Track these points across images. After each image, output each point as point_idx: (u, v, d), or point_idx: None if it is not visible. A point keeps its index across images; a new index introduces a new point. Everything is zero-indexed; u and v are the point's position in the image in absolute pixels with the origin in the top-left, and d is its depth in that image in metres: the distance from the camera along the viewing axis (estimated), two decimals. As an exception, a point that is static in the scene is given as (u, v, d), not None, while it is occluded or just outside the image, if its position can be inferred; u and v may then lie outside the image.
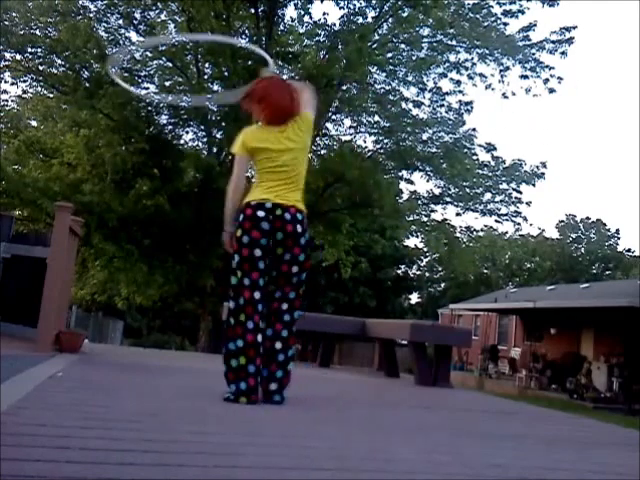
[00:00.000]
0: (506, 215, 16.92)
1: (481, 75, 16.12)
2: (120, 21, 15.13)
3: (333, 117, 16.96)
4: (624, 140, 68.82)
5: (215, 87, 15.01)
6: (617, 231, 45.68)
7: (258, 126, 3.35)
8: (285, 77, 14.97)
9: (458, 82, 16.36)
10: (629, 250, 45.38)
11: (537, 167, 16.46)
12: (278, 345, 3.18)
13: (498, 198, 16.72)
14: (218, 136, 15.82)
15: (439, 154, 16.27)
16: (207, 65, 15.68)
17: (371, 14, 15.27)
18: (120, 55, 12.32)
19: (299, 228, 3.19)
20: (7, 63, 14.70)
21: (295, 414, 3.22)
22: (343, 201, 16.31)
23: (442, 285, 42.24)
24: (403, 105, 16.32)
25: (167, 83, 15.29)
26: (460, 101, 16.56)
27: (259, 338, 3.13)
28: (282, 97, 3.28)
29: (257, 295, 3.13)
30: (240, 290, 3.14)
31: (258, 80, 3.46)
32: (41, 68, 15.01)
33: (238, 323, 3.10)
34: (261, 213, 3.13)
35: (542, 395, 16.34)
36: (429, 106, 16.75)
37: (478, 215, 17.11)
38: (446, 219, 17.99)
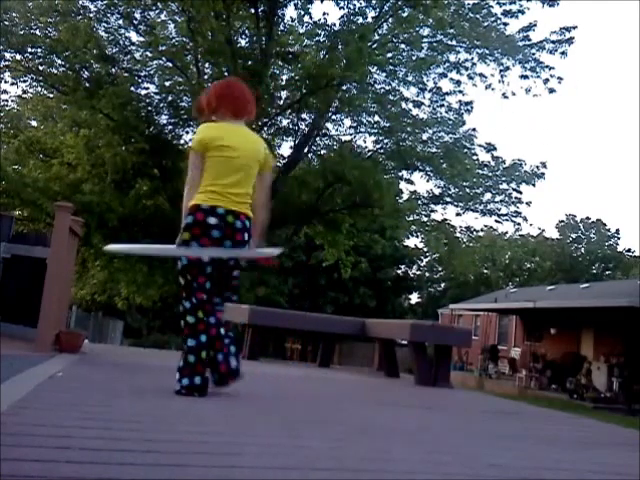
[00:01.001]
0: (506, 215, 16.90)
1: (481, 75, 16.11)
2: (120, 21, 15.11)
3: (333, 117, 16.94)
4: (624, 140, 68.88)
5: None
6: (617, 231, 45.69)
7: None
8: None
9: (458, 82, 16.35)
10: (629, 250, 45.41)
11: (537, 167, 16.44)
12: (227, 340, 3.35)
13: (498, 198, 16.70)
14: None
15: (439, 154, 16.25)
16: (207, 65, 15.68)
17: (371, 14, 15.27)
18: None
19: (246, 236, 3.31)
20: (7, 63, 14.68)
21: (295, 414, 3.23)
22: (343, 201, 16.29)
23: (442, 285, 42.25)
24: (403, 105, 16.30)
25: (167, 83, 15.28)
26: (460, 101, 16.56)
27: (222, 331, 3.28)
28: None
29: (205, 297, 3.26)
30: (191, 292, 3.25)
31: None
32: (41, 68, 14.99)
33: (198, 321, 3.19)
34: (212, 220, 3.23)
35: (542, 395, 16.34)
36: (429, 106, 16.74)
37: (478, 215, 17.09)
38: (446, 219, 17.99)
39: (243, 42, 15.60)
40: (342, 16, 15.01)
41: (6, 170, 14.52)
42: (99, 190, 14.56)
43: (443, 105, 16.73)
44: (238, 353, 3.40)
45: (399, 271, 34.72)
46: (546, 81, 15.50)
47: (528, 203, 16.85)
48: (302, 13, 15.04)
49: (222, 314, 3.34)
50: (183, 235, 3.23)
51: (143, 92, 15.72)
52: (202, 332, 3.18)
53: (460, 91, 16.47)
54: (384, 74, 15.85)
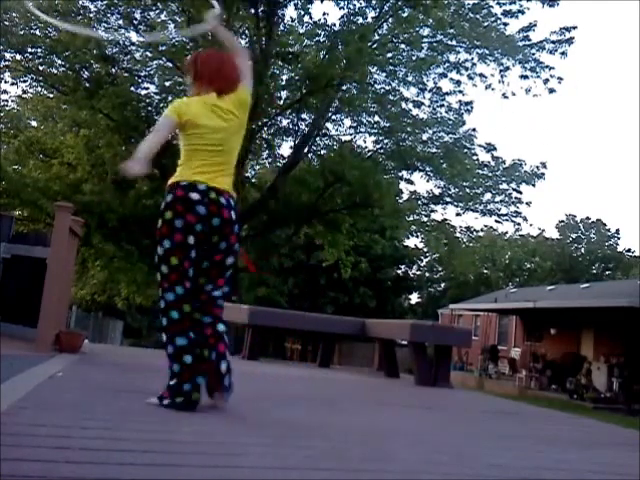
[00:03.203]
0: (506, 215, 16.91)
1: (481, 75, 16.11)
2: (120, 21, 15.11)
3: (333, 117, 16.95)
4: (624, 140, 68.85)
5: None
6: (617, 231, 45.64)
7: (194, 98, 3.07)
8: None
9: (458, 82, 16.35)
10: (629, 250, 45.35)
11: (537, 167, 16.45)
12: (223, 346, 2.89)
13: (498, 198, 16.71)
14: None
15: (439, 154, 16.26)
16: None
17: (371, 14, 15.27)
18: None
19: (234, 215, 2.92)
20: (7, 63, 14.69)
21: (295, 414, 3.22)
22: (343, 201, 16.30)
23: (442, 285, 42.22)
24: (403, 105, 16.31)
25: (167, 83, 15.29)
26: (460, 101, 16.57)
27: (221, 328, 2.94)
28: (232, 69, 3.08)
29: (189, 285, 2.83)
30: (179, 279, 2.80)
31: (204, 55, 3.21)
32: (41, 68, 15.00)
33: (185, 315, 2.78)
34: (195, 195, 2.81)
35: (542, 395, 16.33)
36: (429, 106, 16.75)
37: (478, 215, 17.10)
38: (446, 219, 17.99)
39: (243, 42, 15.59)
40: (342, 16, 15.04)
41: (6, 170, 14.52)
42: (99, 190, 14.56)
43: (443, 105, 16.74)
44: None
45: (399, 271, 34.69)
46: (546, 81, 15.50)
47: (528, 203, 16.87)
48: (302, 13, 15.07)
49: (221, 311, 2.95)
50: (164, 214, 2.87)
51: (143, 92, 15.74)
52: (189, 329, 2.77)
53: (460, 91, 16.50)
54: (384, 74, 15.87)
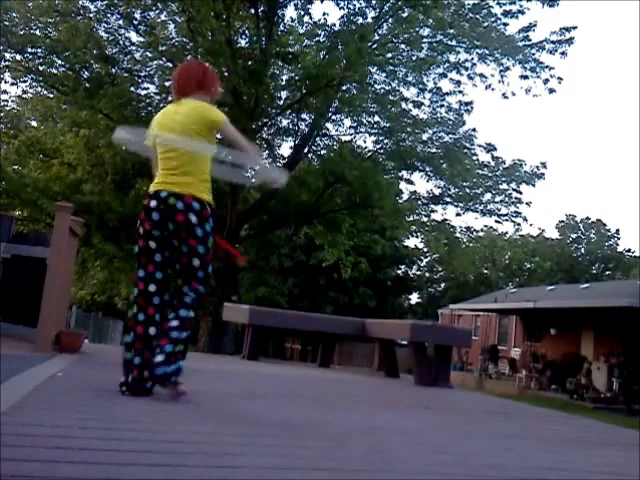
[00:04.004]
0: (506, 215, 16.92)
1: (481, 75, 16.11)
2: (120, 21, 15.11)
3: (333, 117, 16.95)
4: (624, 140, 68.84)
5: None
6: (617, 231, 45.64)
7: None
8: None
9: (458, 82, 16.36)
10: (629, 250, 45.34)
11: (537, 167, 16.47)
12: (174, 323, 2.93)
13: (498, 198, 16.72)
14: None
15: (439, 154, 16.27)
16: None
17: (371, 14, 15.29)
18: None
19: (193, 218, 2.96)
20: (7, 63, 14.70)
21: (295, 414, 3.22)
22: (343, 201, 16.31)
23: (442, 285, 42.22)
24: (403, 105, 16.32)
25: (167, 83, 15.28)
26: (460, 101, 16.58)
27: (151, 331, 2.97)
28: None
29: (152, 288, 3.01)
30: (136, 282, 3.07)
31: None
32: (41, 68, 15.01)
33: (132, 315, 3.01)
34: (153, 203, 3.01)
35: (542, 395, 16.33)
36: (429, 106, 16.77)
37: (478, 215, 17.11)
38: (446, 219, 18.01)
39: (243, 42, 15.62)
40: (342, 16, 15.07)
41: (6, 170, 14.53)
42: (99, 190, 14.58)
43: (443, 105, 16.75)
44: (174, 355, 2.89)
45: (399, 271, 34.67)
46: (546, 81, 15.50)
47: (528, 203, 16.88)
48: (302, 13, 15.08)
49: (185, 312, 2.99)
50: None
51: (143, 92, 15.75)
52: (131, 329, 3.00)
53: (460, 91, 16.50)
54: (384, 74, 15.87)
